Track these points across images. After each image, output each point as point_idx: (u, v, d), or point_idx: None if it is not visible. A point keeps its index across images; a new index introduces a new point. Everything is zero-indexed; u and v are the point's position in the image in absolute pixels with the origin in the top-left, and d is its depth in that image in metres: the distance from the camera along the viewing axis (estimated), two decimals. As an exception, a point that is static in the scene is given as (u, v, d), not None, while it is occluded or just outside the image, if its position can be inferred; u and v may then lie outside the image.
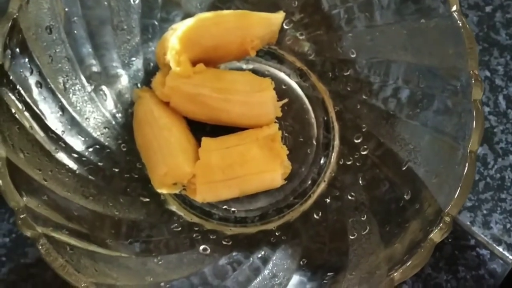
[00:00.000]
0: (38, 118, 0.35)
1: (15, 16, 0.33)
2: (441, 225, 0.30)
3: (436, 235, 0.30)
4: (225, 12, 0.40)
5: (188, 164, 0.38)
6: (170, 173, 0.38)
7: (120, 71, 0.43)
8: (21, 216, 0.29)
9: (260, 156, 0.38)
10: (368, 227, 0.38)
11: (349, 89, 0.44)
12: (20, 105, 0.33)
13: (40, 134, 0.35)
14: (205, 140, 0.39)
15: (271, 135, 0.39)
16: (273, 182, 0.39)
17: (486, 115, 0.47)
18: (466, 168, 0.31)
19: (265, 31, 0.40)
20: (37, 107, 0.35)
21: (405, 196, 0.36)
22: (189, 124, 0.42)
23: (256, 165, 0.38)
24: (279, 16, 0.40)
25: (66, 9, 0.37)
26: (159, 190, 0.39)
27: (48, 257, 0.29)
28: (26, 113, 0.34)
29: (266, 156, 0.38)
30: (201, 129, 0.42)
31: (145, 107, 0.40)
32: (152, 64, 0.44)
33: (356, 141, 0.43)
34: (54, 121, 0.37)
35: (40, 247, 0.29)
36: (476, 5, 0.50)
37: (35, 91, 0.35)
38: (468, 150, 0.32)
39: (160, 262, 0.37)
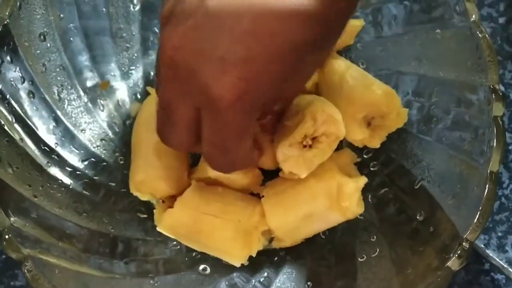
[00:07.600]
0: (30, 130, 0.34)
1: (5, 22, 0.32)
2: (459, 251, 0.28)
3: (453, 263, 0.28)
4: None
5: (166, 181, 0.36)
6: (145, 182, 0.36)
7: (119, 81, 0.41)
8: (6, 237, 0.27)
9: (230, 238, 0.34)
10: (378, 249, 0.36)
11: (358, 101, 0.42)
12: (9, 117, 0.32)
13: (31, 147, 0.33)
14: (188, 194, 0.36)
15: (257, 224, 0.35)
16: (231, 261, 0.36)
17: (502, 130, 0.45)
18: (486, 190, 0.29)
19: None
20: (29, 118, 0.34)
21: (418, 217, 0.34)
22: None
23: (220, 244, 0.35)
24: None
25: (62, 15, 0.36)
26: (133, 193, 0.37)
27: (34, 282, 0.27)
28: (16, 125, 0.33)
29: (237, 241, 0.34)
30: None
31: (151, 107, 0.38)
32: (152, 74, 0.42)
33: (365, 156, 0.41)
34: (47, 133, 0.35)
35: (26, 271, 0.27)
36: (489, 16, 0.48)
37: (27, 101, 0.34)
38: (488, 170, 0.29)
39: (156, 284, 0.35)
